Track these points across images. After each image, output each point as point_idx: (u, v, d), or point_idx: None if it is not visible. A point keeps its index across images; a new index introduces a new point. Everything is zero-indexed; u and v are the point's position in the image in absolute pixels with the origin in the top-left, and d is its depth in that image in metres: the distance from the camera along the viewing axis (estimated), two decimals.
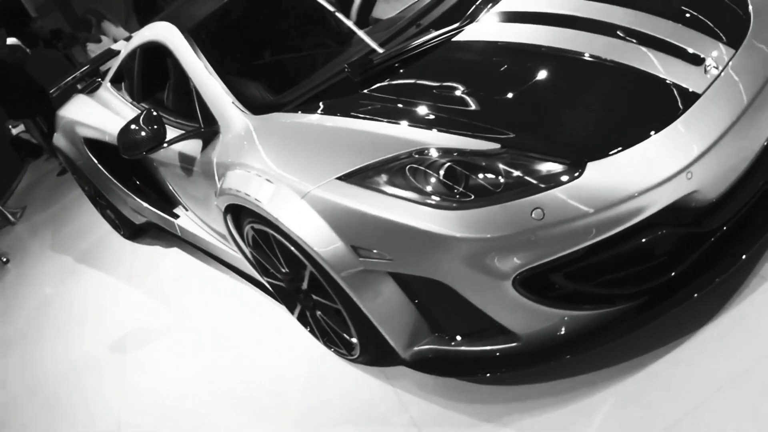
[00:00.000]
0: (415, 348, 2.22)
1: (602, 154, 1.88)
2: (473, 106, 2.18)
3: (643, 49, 2.13)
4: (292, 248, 2.27)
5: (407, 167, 2.00)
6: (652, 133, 1.90)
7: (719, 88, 1.97)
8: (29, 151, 10.07)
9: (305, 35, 3.19)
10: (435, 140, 2.06)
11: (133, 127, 2.84)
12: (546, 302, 1.91)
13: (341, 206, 2.07)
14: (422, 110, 2.22)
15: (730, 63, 2.03)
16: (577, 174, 1.85)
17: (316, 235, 2.12)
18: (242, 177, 2.43)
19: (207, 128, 2.83)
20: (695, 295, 1.91)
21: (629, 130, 1.92)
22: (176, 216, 3.91)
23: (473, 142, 2.01)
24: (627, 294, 1.94)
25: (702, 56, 2.06)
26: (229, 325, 3.36)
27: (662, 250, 1.92)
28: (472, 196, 1.90)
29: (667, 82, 2.01)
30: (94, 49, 7.86)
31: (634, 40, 2.17)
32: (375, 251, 2.02)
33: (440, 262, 1.92)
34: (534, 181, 1.87)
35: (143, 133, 2.80)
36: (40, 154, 10.06)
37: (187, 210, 3.80)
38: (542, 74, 2.19)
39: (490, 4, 2.63)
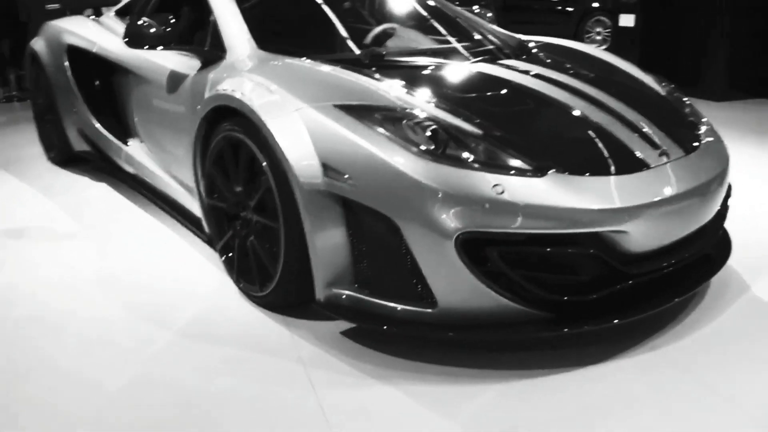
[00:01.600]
0: (334, 290, 2.30)
1: (564, 171, 2.16)
2: (469, 103, 2.49)
3: (621, 124, 2.51)
4: (262, 158, 2.37)
5: (402, 120, 2.22)
6: (608, 174, 2.23)
7: (664, 169, 2.34)
8: None
9: (329, 20, 3.41)
10: (427, 108, 2.33)
11: (144, 22, 2.96)
12: (476, 272, 2.06)
13: (330, 126, 2.24)
14: (421, 89, 2.51)
15: (679, 159, 2.42)
16: (539, 175, 2.12)
17: (295, 146, 2.26)
18: (240, 82, 2.56)
19: (213, 50, 2.97)
20: (566, 328, 2.14)
21: (590, 166, 2.25)
22: (126, 144, 3.91)
23: (459, 121, 2.29)
24: (541, 298, 2.13)
25: (659, 144, 2.44)
26: (140, 246, 3.34)
27: (585, 271, 2.16)
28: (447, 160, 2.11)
29: (630, 148, 2.38)
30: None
31: (617, 118, 2.54)
32: (343, 175, 2.16)
33: (399, 201, 2.08)
34: (503, 166, 2.13)
35: (153, 30, 2.93)
36: None
37: (141, 141, 3.81)
38: (534, 107, 2.58)
39: (498, 59, 3.00)
